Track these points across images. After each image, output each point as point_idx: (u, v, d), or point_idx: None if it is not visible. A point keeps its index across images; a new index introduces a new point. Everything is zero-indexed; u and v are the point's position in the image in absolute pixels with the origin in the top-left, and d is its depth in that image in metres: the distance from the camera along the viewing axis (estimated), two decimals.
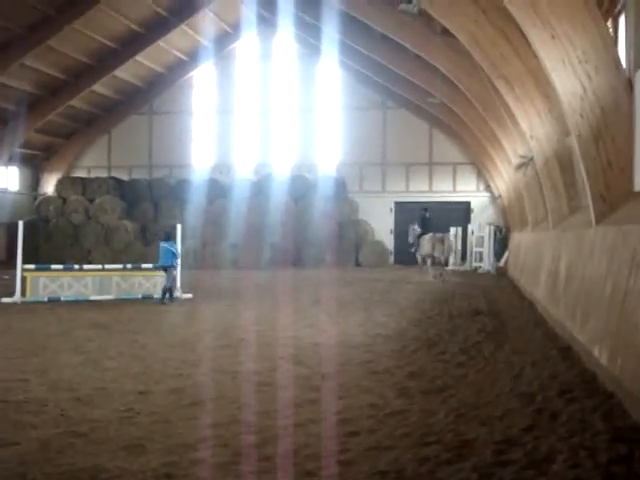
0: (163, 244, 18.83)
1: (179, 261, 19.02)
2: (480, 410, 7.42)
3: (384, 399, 8.03)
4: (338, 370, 9.76)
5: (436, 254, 26.06)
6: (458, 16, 14.78)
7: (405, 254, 36.24)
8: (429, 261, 26.55)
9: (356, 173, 37.73)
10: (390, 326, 14.12)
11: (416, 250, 27.18)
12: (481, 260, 32.07)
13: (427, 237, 26.71)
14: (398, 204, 37.37)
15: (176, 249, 18.88)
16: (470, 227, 33.72)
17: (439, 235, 26.68)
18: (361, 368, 9.92)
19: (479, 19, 14.23)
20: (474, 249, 32.82)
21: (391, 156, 37.50)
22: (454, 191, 37.25)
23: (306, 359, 10.59)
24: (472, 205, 37.01)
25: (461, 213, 36.47)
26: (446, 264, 26.79)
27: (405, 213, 36.91)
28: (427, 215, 29.14)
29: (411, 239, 27.71)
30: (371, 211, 37.00)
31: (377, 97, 37.44)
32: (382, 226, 37.11)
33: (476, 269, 31.61)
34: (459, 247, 33.37)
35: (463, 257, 33.50)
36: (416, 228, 27.76)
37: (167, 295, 18.27)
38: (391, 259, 36.95)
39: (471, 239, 33.11)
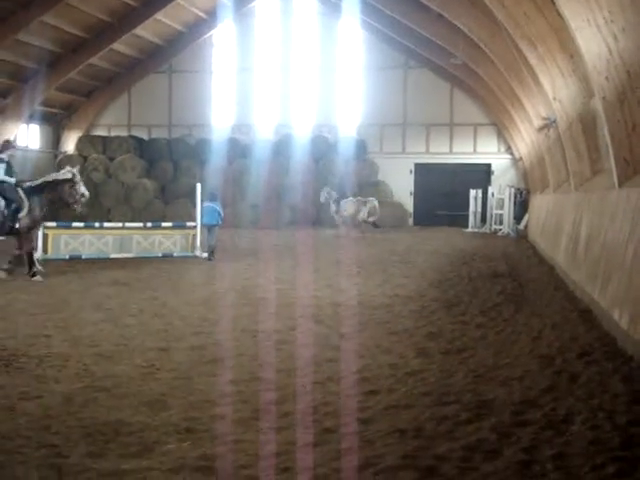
0: (209, 204, 19.19)
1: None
2: (499, 371, 7.45)
3: (403, 359, 8.07)
4: (357, 330, 9.82)
5: (360, 216, 28.90)
6: None
7: (425, 216, 36.22)
8: (349, 221, 29.34)
9: (376, 134, 37.50)
10: (409, 287, 14.15)
11: (336, 211, 29.67)
12: (501, 223, 31.93)
13: (351, 200, 29.33)
14: (418, 165, 37.17)
15: (221, 209, 19.32)
16: (490, 189, 33.52)
17: (362, 199, 29.57)
18: (380, 328, 9.96)
19: None
20: (494, 212, 32.67)
21: (412, 117, 37.19)
22: (474, 152, 36.98)
23: (325, 318, 10.65)
24: (492, 167, 36.75)
25: (481, 175, 36.23)
26: (375, 225, 29.21)
27: (425, 175, 36.79)
28: (340, 181, 31.74)
29: (323, 199, 30.24)
30: (391, 172, 36.81)
31: (399, 57, 37.05)
32: (402, 187, 36.93)
33: (496, 232, 31.49)
34: (479, 209, 33.27)
35: (483, 220, 33.38)
36: (331, 191, 29.98)
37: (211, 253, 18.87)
38: (410, 221, 36.87)
39: (491, 201, 32.95)
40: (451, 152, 37.11)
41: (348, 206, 29.08)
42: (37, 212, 14.89)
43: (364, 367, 7.70)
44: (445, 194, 36.10)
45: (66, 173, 15.39)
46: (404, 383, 7.03)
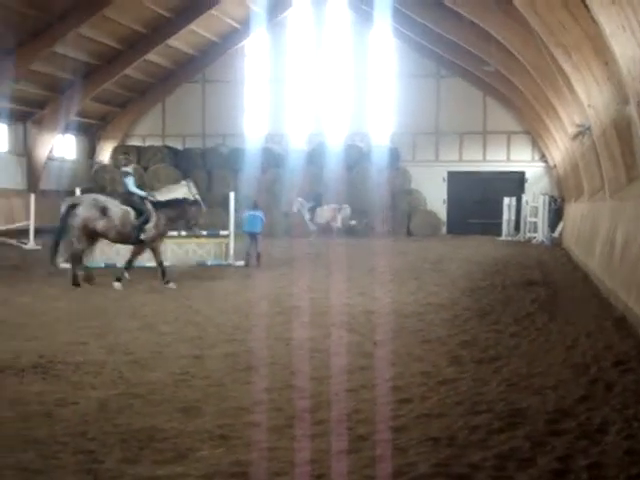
0: (252, 212, 19.98)
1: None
2: (533, 380, 7.41)
3: (436, 367, 8.06)
4: (390, 338, 9.81)
5: (335, 222, 30.81)
6: None
7: (458, 224, 36.08)
8: (334, 226, 30.79)
9: (409, 142, 37.49)
10: (442, 295, 14.11)
11: (311, 219, 31.24)
12: (535, 231, 31.71)
13: (327, 207, 31.35)
14: (451, 173, 37.10)
15: (263, 217, 20.19)
16: (524, 197, 33.32)
17: (337, 206, 31.33)
18: (413, 336, 9.95)
19: None
20: (528, 219, 32.46)
21: (444, 125, 37.15)
22: (508, 160, 36.84)
23: (358, 326, 10.66)
24: (526, 175, 36.59)
25: (515, 183, 36.08)
26: (354, 228, 31.04)
27: (458, 183, 36.68)
28: (318, 192, 32.88)
29: (295, 209, 31.60)
30: (424, 180, 36.76)
31: (431, 65, 37.07)
32: (435, 196, 36.89)
33: (529, 240, 31.28)
34: (512, 217, 33.09)
35: (516, 228, 33.19)
36: (302, 200, 31.53)
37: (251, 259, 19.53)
38: (443, 229, 36.77)
39: (525, 209, 32.74)
40: (484, 160, 36.99)
41: (324, 213, 30.86)
42: (162, 225, 15.54)
43: (397, 375, 7.71)
44: (478, 202, 35.96)
45: (191, 193, 16.25)
46: (437, 391, 7.02)
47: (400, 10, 29.17)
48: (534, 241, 30.74)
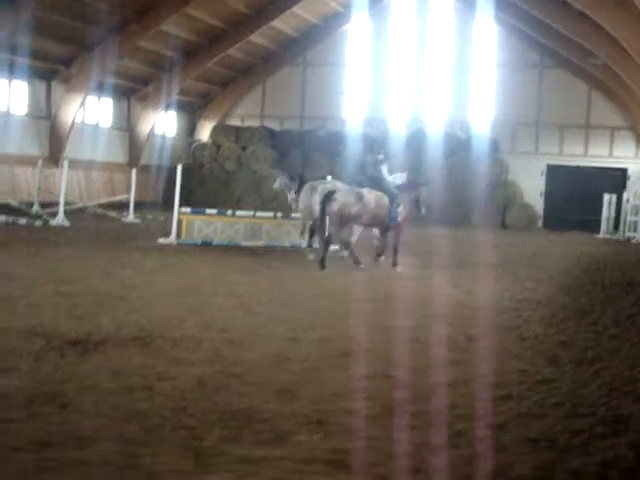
0: None
1: None
2: (635, 385, 7.19)
3: (534, 366, 7.90)
4: (485, 333, 9.67)
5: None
6: None
7: (555, 219, 35.26)
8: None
9: (508, 133, 36.80)
10: (538, 292, 13.81)
11: (294, 200, 29.49)
12: (635, 230, 30.74)
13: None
14: (550, 167, 36.28)
15: None
16: (625, 195, 32.32)
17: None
18: (509, 333, 9.78)
19: None
20: (628, 218, 31.49)
21: (545, 117, 36.30)
22: (610, 156, 35.79)
23: (453, 319, 10.54)
24: (629, 172, 35.48)
25: (616, 180, 34.97)
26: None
27: (557, 177, 35.87)
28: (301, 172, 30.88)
29: (278, 185, 28.87)
30: (521, 172, 36.05)
31: (534, 55, 36.26)
32: (532, 189, 36.13)
33: (629, 239, 30.35)
34: (612, 215, 32.17)
35: (616, 226, 32.25)
36: (284, 178, 28.80)
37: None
38: (539, 223, 36.04)
39: (625, 207, 31.76)
40: (585, 155, 36.05)
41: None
42: (407, 208, 16.25)
43: (493, 372, 7.58)
44: (577, 197, 35.03)
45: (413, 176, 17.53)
46: (535, 391, 6.88)
47: None
48: (634, 241, 29.82)
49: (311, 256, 16.70)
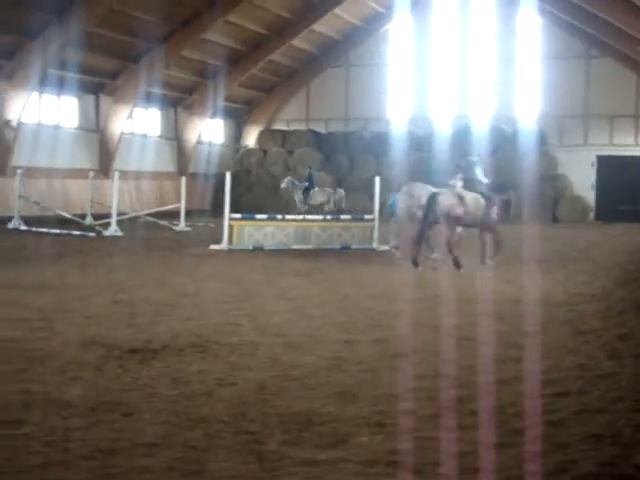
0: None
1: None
2: None
3: (592, 360, 7.83)
4: (540, 328, 9.59)
5: (329, 204, 30.32)
6: None
7: (607, 211, 34.73)
8: (325, 209, 29.92)
9: (556, 125, 36.40)
10: (593, 285, 13.67)
11: (302, 201, 30.70)
12: None
13: (320, 190, 30.92)
14: (601, 158, 35.76)
15: None
16: None
17: (331, 189, 31.17)
18: (565, 327, 9.71)
19: None
20: None
21: (594, 108, 35.81)
22: None
23: (507, 316, 10.48)
24: None
25: None
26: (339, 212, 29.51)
27: (608, 168, 35.32)
28: (311, 172, 31.90)
29: (285, 185, 31.12)
30: (571, 165, 35.64)
31: (579, 45, 35.83)
32: (582, 181, 35.68)
33: None
34: None
35: None
36: (292, 179, 31.22)
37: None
38: (591, 215, 35.56)
39: None
40: (636, 144, 35.47)
41: (318, 196, 30.51)
42: (501, 210, 16.70)
43: (550, 367, 7.53)
44: (629, 188, 34.44)
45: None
46: (595, 386, 6.82)
47: None
48: None
49: (398, 255, 17.23)
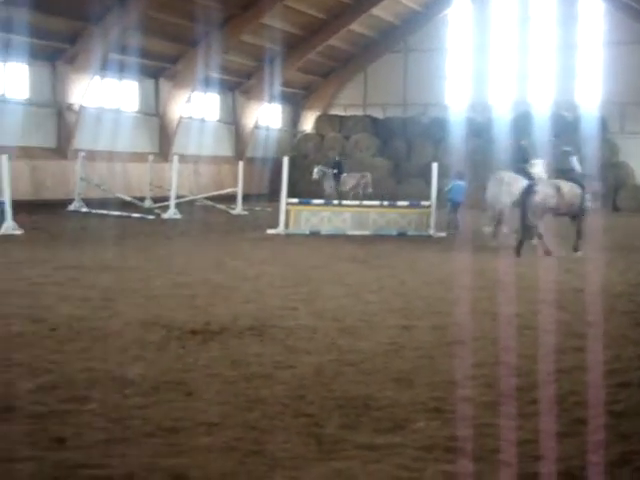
0: (459, 182, 20.76)
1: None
2: None
3: None
4: (601, 318, 9.45)
5: (357, 188, 31.15)
6: None
7: None
8: (351, 194, 30.56)
9: (618, 112, 35.69)
10: None
11: (333, 186, 31.30)
12: None
13: (349, 175, 31.78)
14: None
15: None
16: None
17: (359, 174, 31.74)
18: (627, 318, 9.56)
19: None
20: None
21: None
22: None
23: (567, 305, 10.35)
24: None
25: None
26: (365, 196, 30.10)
27: None
28: (339, 159, 32.71)
29: (317, 176, 31.50)
30: (634, 153, 34.94)
31: None
32: None
33: None
34: None
35: None
36: (322, 167, 31.80)
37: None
38: None
39: None
40: None
41: (348, 180, 31.32)
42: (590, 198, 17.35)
43: (612, 358, 7.42)
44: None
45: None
46: None
47: None
48: None
49: (494, 243, 17.44)
